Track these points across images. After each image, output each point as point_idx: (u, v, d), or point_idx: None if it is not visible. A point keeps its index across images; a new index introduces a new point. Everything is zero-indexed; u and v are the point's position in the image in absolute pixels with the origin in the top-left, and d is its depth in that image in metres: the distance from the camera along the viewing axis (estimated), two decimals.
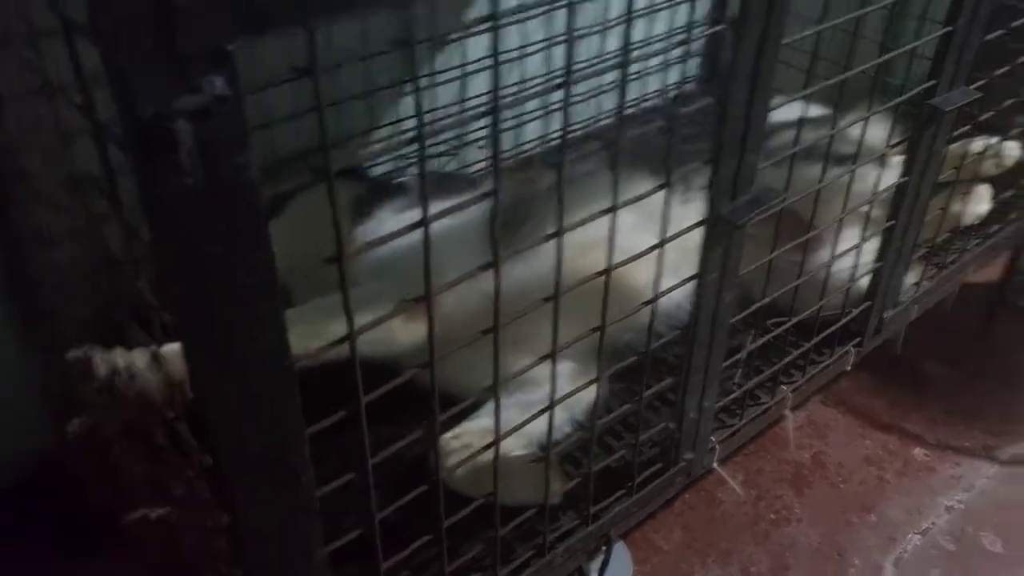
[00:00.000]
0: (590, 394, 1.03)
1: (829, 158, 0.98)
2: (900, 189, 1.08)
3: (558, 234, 0.77)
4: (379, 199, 1.30)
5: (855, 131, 1.00)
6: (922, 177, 1.09)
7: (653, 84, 1.82)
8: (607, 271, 0.84)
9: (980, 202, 1.29)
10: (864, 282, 1.18)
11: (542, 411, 0.89)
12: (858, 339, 1.22)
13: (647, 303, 0.92)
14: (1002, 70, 1.14)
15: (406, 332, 1.10)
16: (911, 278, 1.26)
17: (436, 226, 1.30)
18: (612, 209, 0.81)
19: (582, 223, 0.83)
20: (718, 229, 0.84)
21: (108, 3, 0.42)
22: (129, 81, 0.43)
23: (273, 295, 0.54)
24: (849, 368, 1.25)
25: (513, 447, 1.08)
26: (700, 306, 0.90)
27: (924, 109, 1.01)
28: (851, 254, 1.11)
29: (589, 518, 0.96)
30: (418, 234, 1.28)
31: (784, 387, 1.14)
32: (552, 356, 0.87)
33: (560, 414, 1.11)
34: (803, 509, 1.37)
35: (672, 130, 0.94)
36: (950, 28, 0.96)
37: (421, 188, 0.63)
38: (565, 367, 1.14)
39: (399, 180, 1.40)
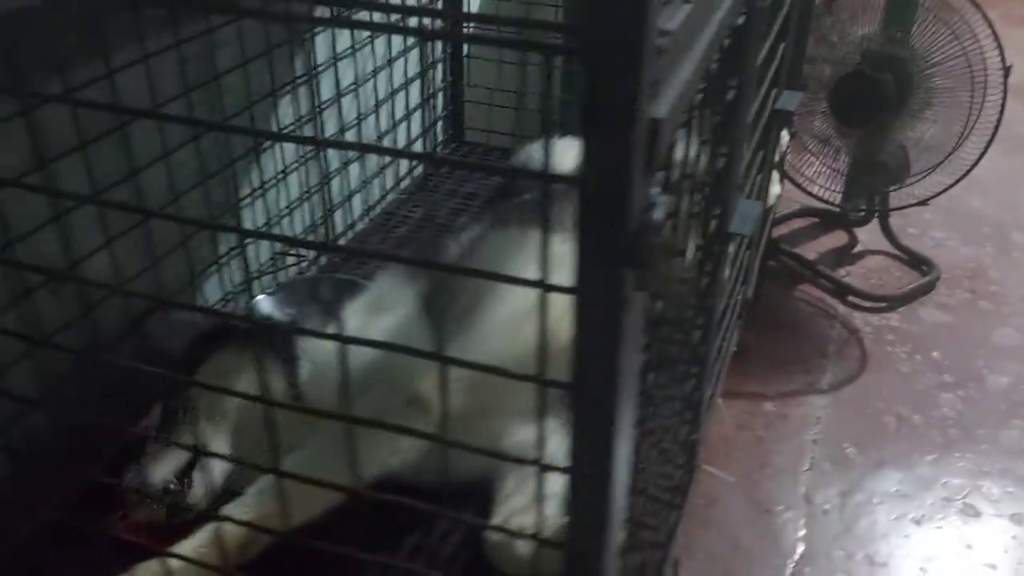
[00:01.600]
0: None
1: None
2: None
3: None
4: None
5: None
6: (771, 170, 1.29)
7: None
8: None
9: (775, 184, 1.54)
10: None
11: None
12: (742, 318, 1.40)
13: None
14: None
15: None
16: None
17: (371, 331, 1.26)
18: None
19: None
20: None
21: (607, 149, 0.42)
22: (622, 200, 0.43)
23: None
24: (736, 348, 1.43)
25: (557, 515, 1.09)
26: (715, 303, 0.99)
27: (773, 115, 1.21)
28: None
29: (667, 548, 1.01)
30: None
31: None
32: None
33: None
34: (719, 486, 1.52)
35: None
36: (784, 44, 1.17)
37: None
38: (550, 425, 1.17)
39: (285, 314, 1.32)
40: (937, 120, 1.91)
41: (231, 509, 0.91)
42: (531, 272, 1.24)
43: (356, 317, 1.17)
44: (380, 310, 1.17)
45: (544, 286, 0.47)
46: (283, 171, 1.43)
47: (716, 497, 1.50)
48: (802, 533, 1.45)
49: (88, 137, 0.97)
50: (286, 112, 1.42)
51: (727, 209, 0.89)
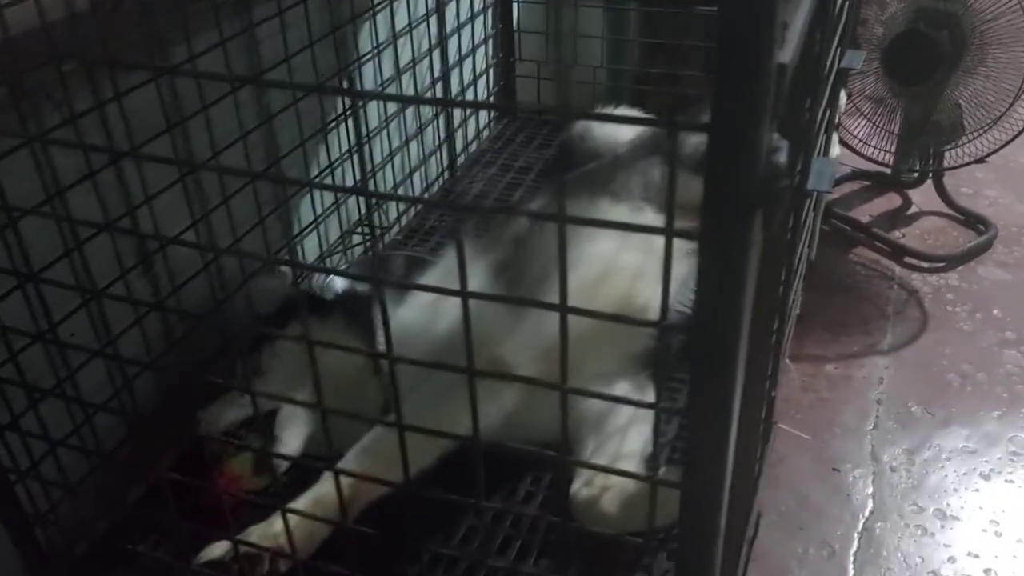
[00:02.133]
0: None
1: None
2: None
3: None
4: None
5: None
6: (833, 129, 1.30)
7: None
8: None
9: (835, 146, 1.55)
10: None
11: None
12: (805, 280, 1.41)
13: None
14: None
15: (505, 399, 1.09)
16: None
17: (448, 302, 1.30)
18: None
19: None
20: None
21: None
22: (754, 144, 0.45)
23: None
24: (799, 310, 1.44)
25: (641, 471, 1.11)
26: (795, 258, 1.00)
27: (839, 73, 1.22)
28: None
29: (751, 499, 1.03)
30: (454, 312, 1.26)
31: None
32: None
33: (645, 429, 1.17)
34: (786, 447, 1.54)
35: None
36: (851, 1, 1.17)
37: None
38: (623, 387, 1.20)
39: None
40: (991, 76, 1.89)
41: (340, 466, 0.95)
42: (606, 241, 1.26)
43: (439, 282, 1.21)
44: (454, 282, 1.20)
45: (669, 232, 0.49)
46: (348, 151, 1.46)
47: (784, 457, 1.52)
48: (871, 490, 1.46)
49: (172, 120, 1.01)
50: (336, 101, 1.45)
51: (807, 165, 0.90)
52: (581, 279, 1.17)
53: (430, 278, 1.27)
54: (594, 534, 1.03)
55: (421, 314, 1.15)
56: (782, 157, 0.47)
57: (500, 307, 1.15)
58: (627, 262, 1.22)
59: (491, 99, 1.98)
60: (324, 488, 0.91)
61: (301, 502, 0.90)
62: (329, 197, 1.41)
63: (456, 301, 1.20)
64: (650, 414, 1.23)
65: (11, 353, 0.81)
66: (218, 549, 0.90)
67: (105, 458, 0.85)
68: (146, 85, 0.96)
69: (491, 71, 1.95)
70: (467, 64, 1.82)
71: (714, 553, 0.62)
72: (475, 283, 1.21)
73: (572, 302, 1.29)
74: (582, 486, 1.06)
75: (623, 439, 1.13)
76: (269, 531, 0.87)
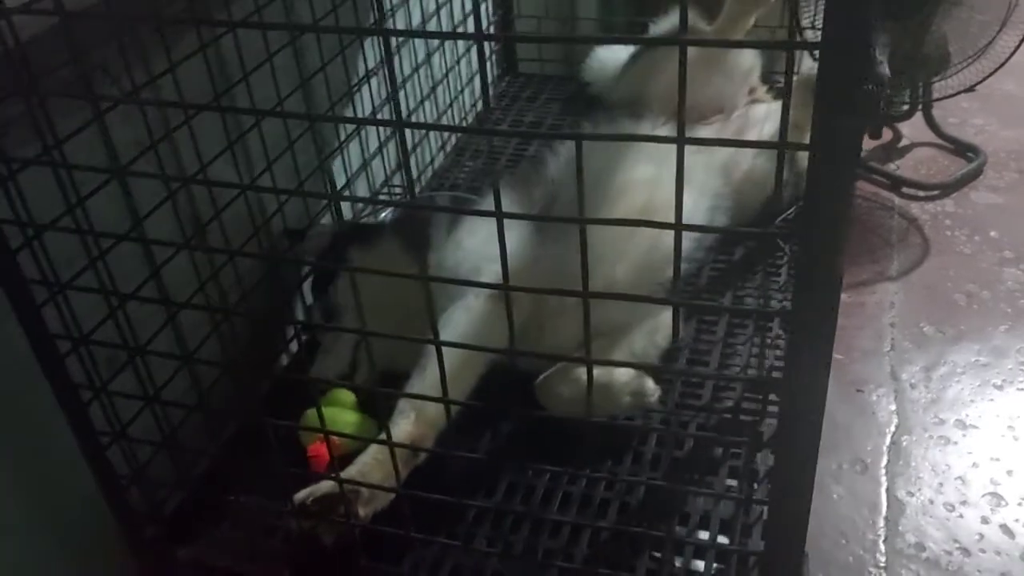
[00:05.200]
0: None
1: None
2: None
3: None
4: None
5: None
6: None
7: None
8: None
9: None
10: None
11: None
12: None
13: None
14: None
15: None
16: None
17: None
18: None
19: None
20: None
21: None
22: (864, 58, 0.50)
23: None
24: None
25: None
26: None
27: None
28: None
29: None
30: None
31: None
32: None
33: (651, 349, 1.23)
34: None
35: None
36: None
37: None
38: (640, 308, 1.25)
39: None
40: (975, 6, 1.95)
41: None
42: (642, 162, 1.31)
43: (486, 226, 1.26)
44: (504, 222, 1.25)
45: (783, 145, 0.54)
46: (372, 112, 1.49)
47: None
48: (894, 407, 1.54)
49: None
50: (369, 54, 1.48)
51: None
52: (618, 209, 1.22)
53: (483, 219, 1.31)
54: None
55: (482, 242, 1.21)
56: (885, 68, 0.52)
57: (534, 243, 1.20)
58: (664, 191, 1.28)
59: (492, 57, 2.01)
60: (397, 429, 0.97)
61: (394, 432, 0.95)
62: (373, 143, 1.47)
63: (516, 236, 1.25)
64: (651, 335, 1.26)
65: (111, 310, 0.84)
66: (303, 493, 0.94)
67: (205, 408, 0.90)
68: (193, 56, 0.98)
69: (492, 29, 1.98)
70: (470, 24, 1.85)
71: (815, 444, 0.68)
72: (515, 233, 1.27)
73: (608, 241, 1.33)
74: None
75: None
76: (349, 473, 0.92)
